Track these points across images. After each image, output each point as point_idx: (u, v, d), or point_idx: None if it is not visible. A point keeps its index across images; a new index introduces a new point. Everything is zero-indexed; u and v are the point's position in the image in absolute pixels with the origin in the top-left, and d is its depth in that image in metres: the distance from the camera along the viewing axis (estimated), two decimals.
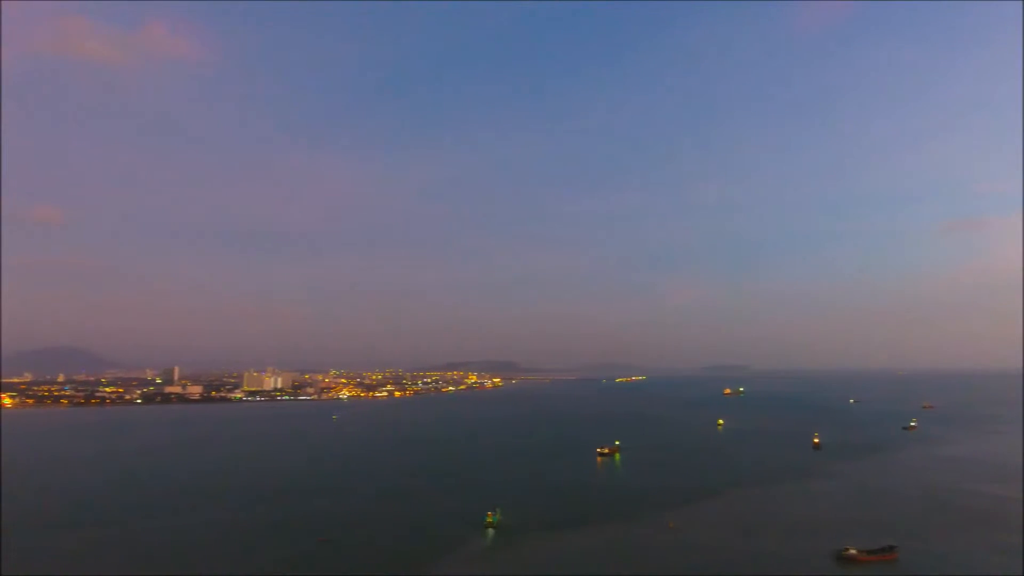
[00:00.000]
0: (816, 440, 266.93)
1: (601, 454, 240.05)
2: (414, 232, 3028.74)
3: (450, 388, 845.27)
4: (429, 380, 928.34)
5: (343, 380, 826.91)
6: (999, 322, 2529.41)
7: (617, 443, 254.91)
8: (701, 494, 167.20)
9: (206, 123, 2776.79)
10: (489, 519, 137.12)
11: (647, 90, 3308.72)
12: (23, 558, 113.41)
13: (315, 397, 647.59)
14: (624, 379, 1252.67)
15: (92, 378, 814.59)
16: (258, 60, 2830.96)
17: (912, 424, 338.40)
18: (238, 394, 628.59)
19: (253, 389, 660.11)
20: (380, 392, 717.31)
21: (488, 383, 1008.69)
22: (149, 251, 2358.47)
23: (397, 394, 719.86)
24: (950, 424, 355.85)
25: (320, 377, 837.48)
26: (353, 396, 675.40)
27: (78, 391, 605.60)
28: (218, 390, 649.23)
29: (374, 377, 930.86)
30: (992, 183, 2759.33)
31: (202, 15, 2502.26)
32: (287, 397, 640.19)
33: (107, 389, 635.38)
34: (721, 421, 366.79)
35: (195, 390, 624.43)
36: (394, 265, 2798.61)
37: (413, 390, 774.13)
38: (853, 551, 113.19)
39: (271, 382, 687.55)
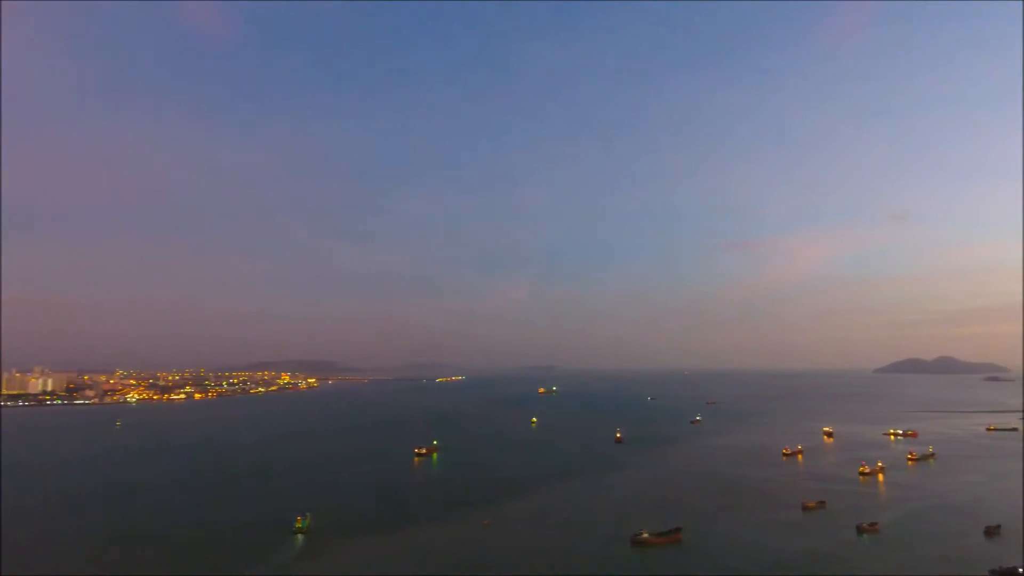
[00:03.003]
0: (618, 435, 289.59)
1: (418, 454, 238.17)
2: (228, 220, 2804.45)
3: (260, 389, 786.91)
4: (236, 381, 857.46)
5: (132, 381, 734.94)
6: (767, 330, 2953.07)
7: (435, 443, 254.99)
8: (515, 489, 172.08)
9: None
10: (298, 524, 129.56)
11: (478, 92, 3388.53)
12: None
13: (96, 401, 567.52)
14: (444, 379, 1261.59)
15: None
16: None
17: (698, 419, 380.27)
18: None
19: (14, 392, 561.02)
20: (177, 394, 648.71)
21: (302, 383, 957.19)
22: None
23: (198, 396, 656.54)
24: (728, 418, 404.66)
25: (103, 378, 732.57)
26: (144, 399, 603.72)
27: None
28: None
29: (170, 378, 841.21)
30: (765, 208, 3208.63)
31: None
32: (59, 401, 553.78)
33: None
34: (535, 419, 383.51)
35: None
36: (201, 254, 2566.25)
37: (217, 392, 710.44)
38: (645, 534, 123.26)
39: (38, 384, 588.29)
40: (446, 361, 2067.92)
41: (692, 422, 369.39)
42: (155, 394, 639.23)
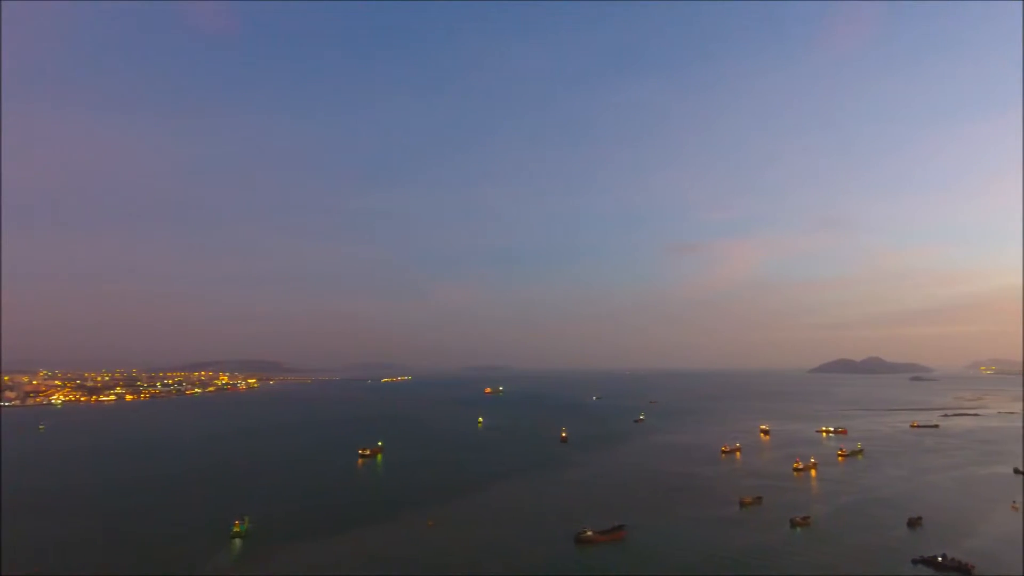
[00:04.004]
0: (564, 434, 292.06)
1: (363, 455, 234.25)
2: (167, 214, 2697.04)
3: (196, 390, 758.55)
4: (171, 382, 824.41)
5: (57, 382, 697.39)
6: (710, 331, 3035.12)
7: (380, 444, 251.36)
8: (460, 490, 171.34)
9: None
10: (236, 528, 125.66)
11: (435, 93, 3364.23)
12: None
13: (17, 403, 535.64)
14: (390, 379, 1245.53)
15: None
16: None
17: (641, 417, 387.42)
18: None
19: None
20: (107, 396, 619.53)
21: (242, 384, 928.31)
22: None
23: (129, 398, 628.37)
24: (670, 417, 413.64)
25: (25, 379, 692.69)
26: (70, 401, 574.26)
27: None
28: None
29: (99, 378, 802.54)
30: (708, 212, 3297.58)
31: None
32: None
33: None
34: (481, 419, 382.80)
35: None
36: (135, 249, 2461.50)
37: (150, 393, 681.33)
38: (589, 532, 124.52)
39: None
40: (393, 361, 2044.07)
41: (635, 421, 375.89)
42: (82, 395, 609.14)
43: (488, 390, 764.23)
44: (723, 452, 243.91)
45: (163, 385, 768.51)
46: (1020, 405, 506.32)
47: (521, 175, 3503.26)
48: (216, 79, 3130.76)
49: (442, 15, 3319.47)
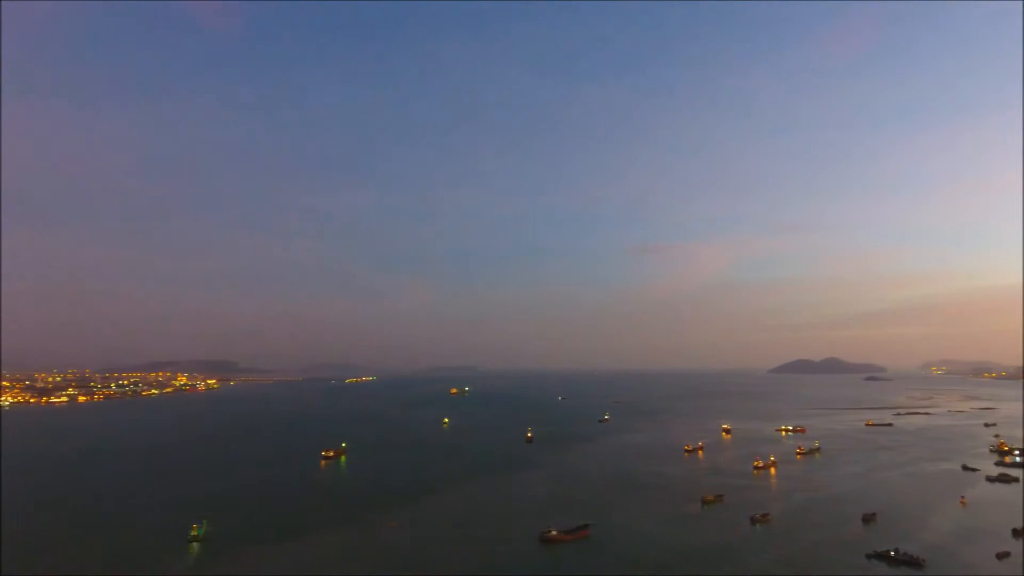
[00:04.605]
0: (529, 434, 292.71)
1: (325, 457, 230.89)
2: (121, 210, 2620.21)
3: (153, 391, 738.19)
4: (126, 382, 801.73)
5: (5, 383, 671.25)
6: (674, 332, 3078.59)
7: (343, 445, 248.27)
8: (425, 491, 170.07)
9: None
10: (194, 532, 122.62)
11: (397, 90, 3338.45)
12: None
13: None
14: (354, 380, 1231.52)
15: None
16: None
17: (606, 417, 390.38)
18: None
19: None
20: (58, 397, 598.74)
21: (201, 385, 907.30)
22: None
23: (82, 399, 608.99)
24: (635, 417, 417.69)
25: None
26: (19, 403, 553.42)
27: None
28: None
29: (50, 379, 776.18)
30: (671, 214, 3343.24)
31: None
32: None
33: None
34: (446, 419, 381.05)
35: None
36: (89, 245, 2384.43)
37: (104, 394, 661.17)
38: (554, 532, 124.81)
39: None
40: (357, 362, 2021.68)
41: (601, 421, 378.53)
42: (31, 397, 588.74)
43: (453, 390, 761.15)
44: (686, 451, 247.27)
45: (118, 386, 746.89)
46: (968, 404, 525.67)
47: (485, 174, 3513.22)
48: (170, 71, 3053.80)
49: (401, 12, 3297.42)
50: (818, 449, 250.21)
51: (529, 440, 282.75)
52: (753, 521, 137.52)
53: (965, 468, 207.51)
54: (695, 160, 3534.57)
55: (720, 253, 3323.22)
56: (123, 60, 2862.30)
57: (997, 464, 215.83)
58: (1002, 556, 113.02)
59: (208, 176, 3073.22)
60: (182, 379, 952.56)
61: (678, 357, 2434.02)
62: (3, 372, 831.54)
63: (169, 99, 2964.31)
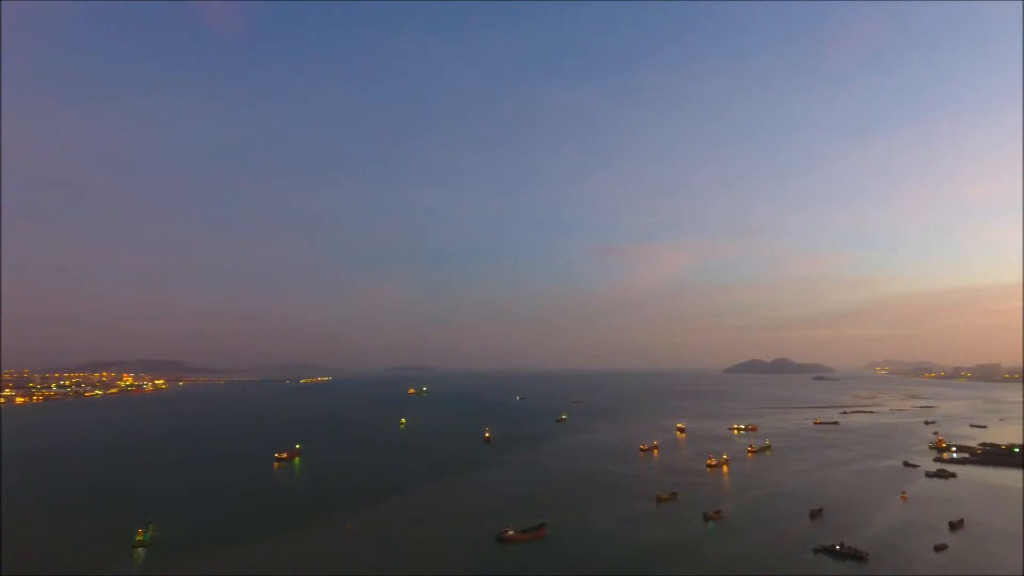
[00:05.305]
0: (487, 434, 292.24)
1: (279, 459, 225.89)
2: (69, 204, 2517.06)
3: (97, 392, 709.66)
4: (67, 383, 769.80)
5: None
6: (633, 332, 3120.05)
7: (298, 446, 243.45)
8: (382, 492, 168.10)
9: None
10: (139, 537, 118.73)
11: (364, 90, 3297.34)
12: None
13: None
14: (310, 380, 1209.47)
15: None
16: None
17: (563, 417, 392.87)
18: None
19: None
20: None
21: (148, 385, 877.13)
22: None
23: (20, 400, 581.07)
24: (592, 416, 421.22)
25: None
26: None
27: None
28: None
29: None
30: (633, 216, 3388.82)
31: None
32: None
33: None
34: (404, 420, 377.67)
35: None
36: (30, 240, 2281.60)
37: (44, 395, 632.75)
38: (510, 531, 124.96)
39: None
40: (314, 362, 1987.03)
41: (558, 420, 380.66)
42: None
43: (412, 390, 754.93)
44: (641, 450, 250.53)
45: (59, 387, 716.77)
46: (910, 403, 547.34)
47: (448, 175, 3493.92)
48: (134, 65, 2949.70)
49: (375, 13, 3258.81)
50: (768, 447, 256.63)
51: (487, 440, 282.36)
52: (706, 518, 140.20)
53: (906, 464, 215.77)
54: (660, 163, 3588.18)
55: (679, 255, 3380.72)
56: (94, 56, 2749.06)
57: (936, 460, 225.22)
58: (940, 548, 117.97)
59: (161, 171, 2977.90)
60: (128, 379, 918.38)
61: (637, 357, 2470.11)
62: None
63: (132, 92, 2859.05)
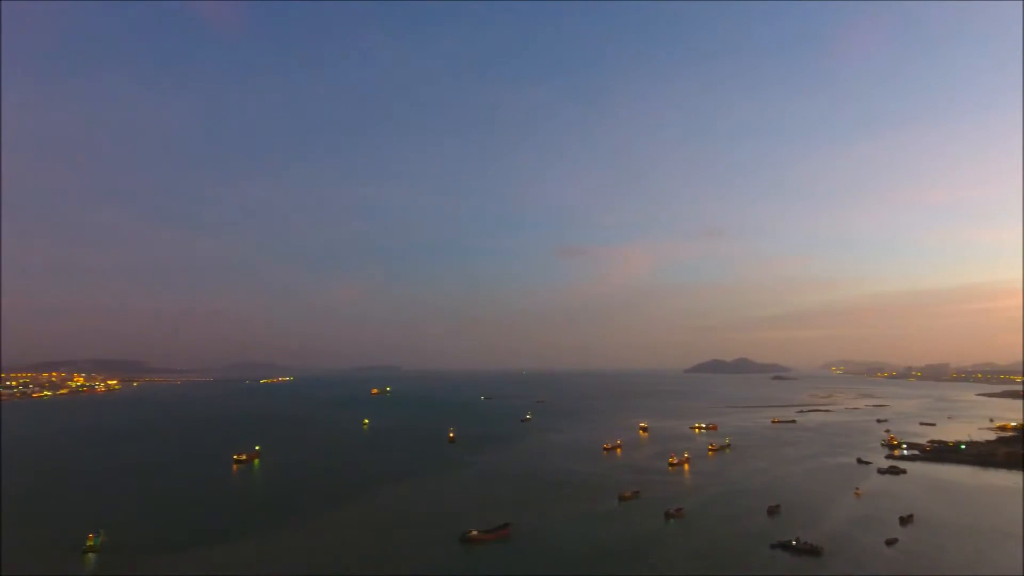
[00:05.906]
0: (452, 434, 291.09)
1: (238, 461, 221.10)
2: (14, 196, 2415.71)
3: (46, 393, 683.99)
4: (13, 383, 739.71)
5: None
6: (597, 332, 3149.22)
7: (257, 448, 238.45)
8: (344, 494, 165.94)
9: None
10: (90, 542, 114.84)
11: (315, 82, 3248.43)
12: None
13: None
14: (270, 380, 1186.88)
15: None
16: None
17: (528, 417, 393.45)
18: None
19: None
20: None
21: (100, 386, 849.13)
22: None
23: None
24: (556, 416, 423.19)
25: None
26: None
27: None
28: None
29: None
30: (595, 216, 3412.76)
31: None
32: None
33: None
34: (367, 420, 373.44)
35: None
36: None
37: None
38: (474, 532, 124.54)
39: None
40: (274, 362, 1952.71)
41: (522, 420, 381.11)
42: None
43: (375, 391, 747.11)
44: (604, 449, 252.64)
45: (4, 387, 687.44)
46: (863, 402, 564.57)
47: (410, 174, 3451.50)
48: (82, 50, 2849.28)
49: (331, 11, 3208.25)
50: (728, 445, 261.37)
51: (452, 440, 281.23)
52: (667, 516, 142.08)
53: (860, 461, 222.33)
54: (620, 164, 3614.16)
55: (642, 256, 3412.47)
56: (64, 49, 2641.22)
57: (888, 457, 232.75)
58: (891, 542, 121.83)
59: (109, 163, 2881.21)
60: (79, 380, 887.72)
61: (600, 357, 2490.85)
62: None
63: (80, 83, 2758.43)
